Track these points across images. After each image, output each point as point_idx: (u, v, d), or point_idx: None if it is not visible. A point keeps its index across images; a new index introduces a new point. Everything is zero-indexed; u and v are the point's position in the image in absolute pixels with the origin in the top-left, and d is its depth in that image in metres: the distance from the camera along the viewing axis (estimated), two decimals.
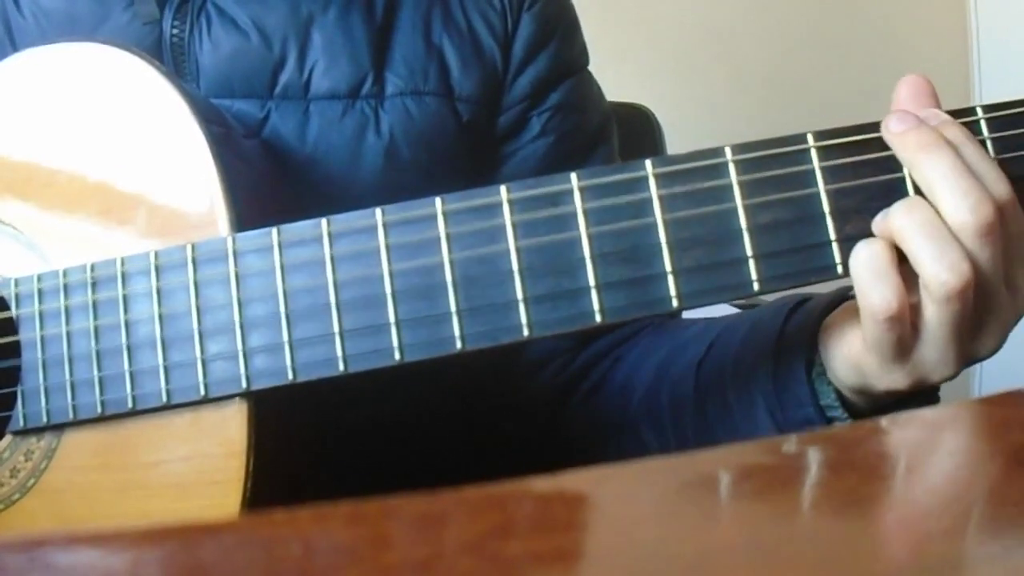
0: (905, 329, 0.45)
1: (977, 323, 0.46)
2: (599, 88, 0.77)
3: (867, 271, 0.44)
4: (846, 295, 0.54)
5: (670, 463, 0.31)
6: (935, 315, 0.44)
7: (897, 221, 0.44)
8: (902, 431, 0.34)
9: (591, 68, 0.76)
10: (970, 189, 0.44)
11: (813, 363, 0.52)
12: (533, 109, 0.70)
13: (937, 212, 0.44)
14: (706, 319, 0.67)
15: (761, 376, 0.55)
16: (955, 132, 0.45)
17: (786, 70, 2.03)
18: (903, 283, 0.44)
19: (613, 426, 0.67)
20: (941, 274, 0.43)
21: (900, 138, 0.45)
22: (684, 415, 0.61)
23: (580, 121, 0.72)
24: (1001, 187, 0.44)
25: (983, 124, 0.46)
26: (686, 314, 0.77)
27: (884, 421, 0.37)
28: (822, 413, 0.52)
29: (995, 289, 0.45)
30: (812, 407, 0.52)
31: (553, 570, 0.22)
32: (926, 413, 0.41)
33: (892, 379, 0.47)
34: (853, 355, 0.49)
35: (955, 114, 0.47)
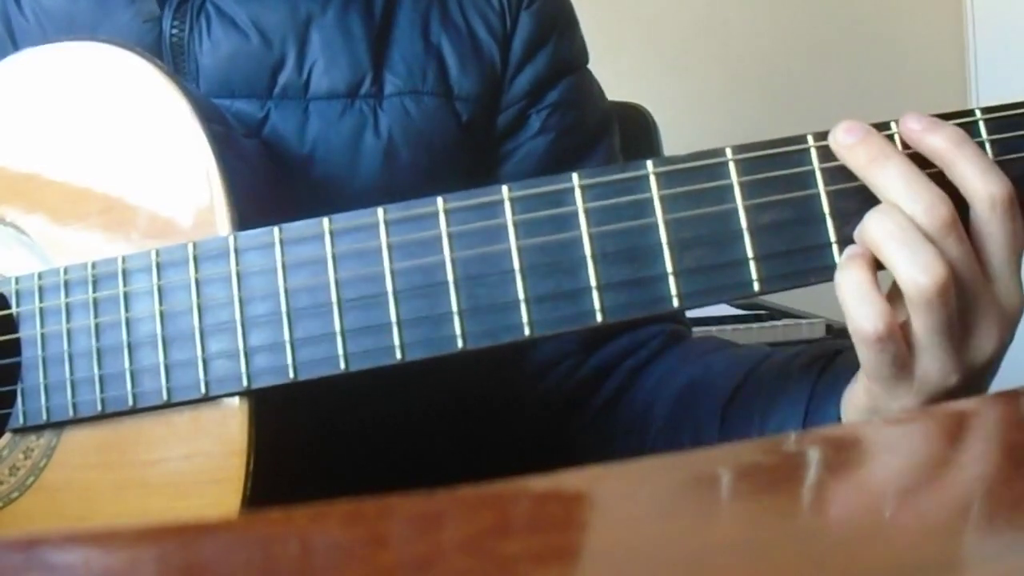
0: (899, 347, 0.45)
1: (967, 325, 0.45)
2: (599, 86, 0.77)
3: (851, 297, 0.44)
4: None
5: (668, 462, 0.31)
6: (922, 323, 0.44)
7: (870, 231, 0.44)
8: (900, 430, 0.34)
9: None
10: (923, 191, 0.44)
11: None
12: (532, 107, 0.70)
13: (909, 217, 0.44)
14: (730, 346, 0.66)
15: None
16: (948, 133, 0.45)
17: (782, 69, 2.03)
18: (888, 303, 0.44)
19: (629, 451, 0.66)
20: (917, 277, 0.43)
21: (849, 151, 0.45)
22: None
23: (579, 119, 0.72)
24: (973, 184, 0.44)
25: (982, 126, 0.46)
26: (692, 313, 0.76)
27: (882, 421, 0.37)
28: None
29: (975, 286, 0.45)
30: None
31: (550, 569, 0.22)
32: (924, 413, 0.41)
33: (901, 403, 0.46)
34: (859, 397, 0.49)
35: (954, 116, 0.46)
